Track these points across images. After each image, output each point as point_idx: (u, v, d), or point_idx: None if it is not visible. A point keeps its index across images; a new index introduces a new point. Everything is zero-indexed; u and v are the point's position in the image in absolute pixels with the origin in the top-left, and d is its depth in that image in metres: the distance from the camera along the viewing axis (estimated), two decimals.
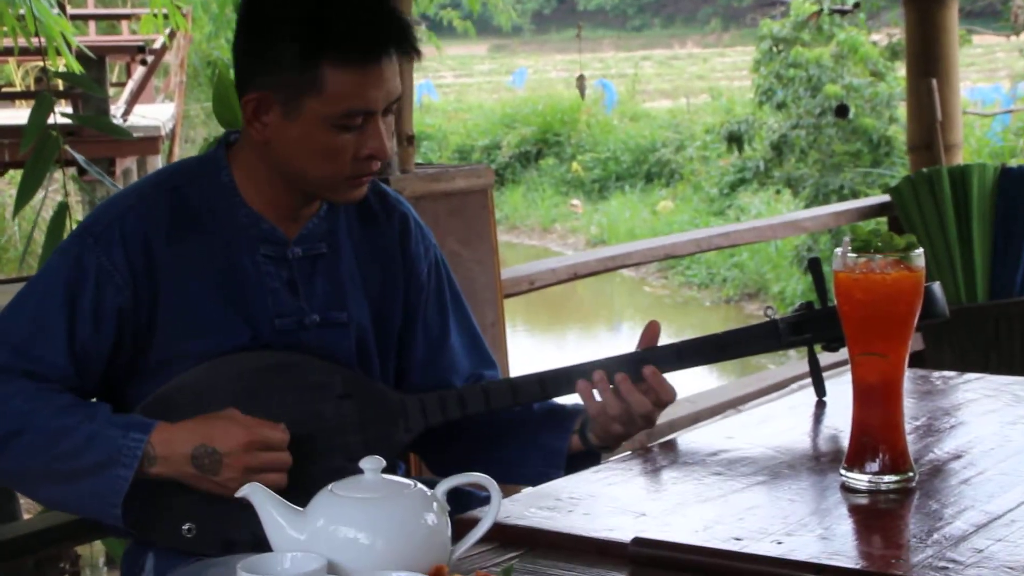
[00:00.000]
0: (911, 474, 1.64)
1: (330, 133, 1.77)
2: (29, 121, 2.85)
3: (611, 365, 1.90)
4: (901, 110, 11.83)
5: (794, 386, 2.23)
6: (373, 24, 1.76)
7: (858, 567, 1.40)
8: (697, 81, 24.85)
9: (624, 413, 1.86)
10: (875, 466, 1.63)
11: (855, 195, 11.38)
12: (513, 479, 1.90)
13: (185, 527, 1.79)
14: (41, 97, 2.92)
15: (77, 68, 3.87)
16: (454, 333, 2.02)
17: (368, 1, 1.78)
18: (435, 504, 1.36)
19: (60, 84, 9.18)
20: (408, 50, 1.79)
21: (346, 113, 1.76)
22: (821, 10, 10.73)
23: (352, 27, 1.74)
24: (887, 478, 1.63)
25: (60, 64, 3.87)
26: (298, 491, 1.51)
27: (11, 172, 10.21)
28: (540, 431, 1.96)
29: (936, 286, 1.95)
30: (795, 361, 6.42)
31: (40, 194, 3.13)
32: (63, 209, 2.77)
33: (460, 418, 1.91)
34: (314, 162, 1.79)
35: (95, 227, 1.81)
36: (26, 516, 3.26)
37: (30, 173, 2.87)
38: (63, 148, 2.89)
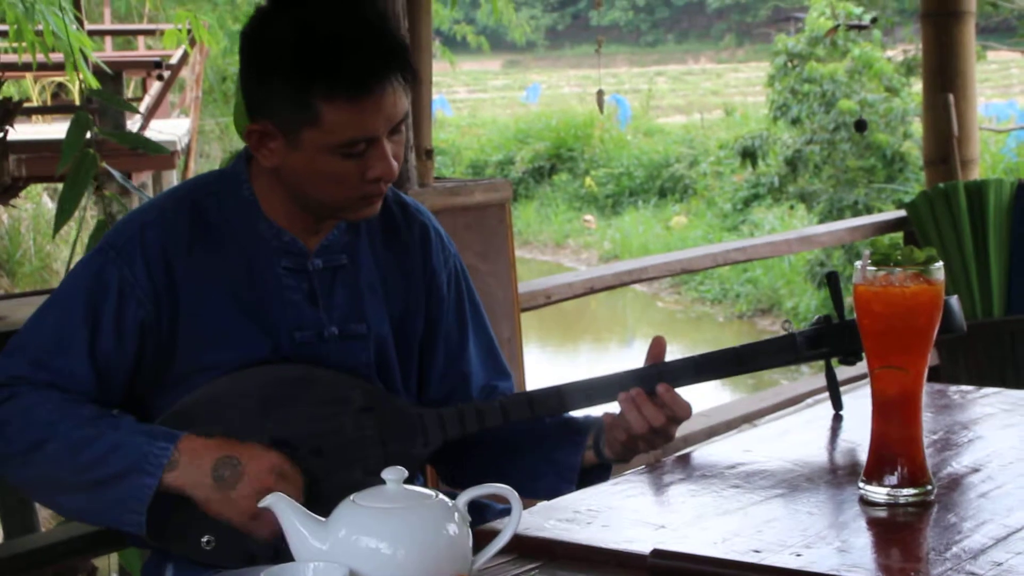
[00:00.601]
0: (930, 487, 1.65)
1: (333, 160, 1.76)
2: (67, 139, 2.87)
3: (629, 379, 1.91)
4: (916, 126, 11.83)
5: (810, 400, 2.23)
6: (364, 55, 1.73)
7: None
8: (711, 97, 24.88)
9: (648, 430, 1.87)
10: (894, 479, 1.64)
11: (869, 210, 11.39)
12: (526, 493, 1.90)
13: (204, 540, 1.79)
14: (79, 115, 2.94)
15: (94, 83, 3.89)
16: (472, 343, 2.03)
17: (359, 30, 1.75)
18: (456, 515, 1.37)
19: (76, 99, 9.22)
20: (404, 75, 1.76)
21: (347, 143, 1.75)
22: (838, 25, 10.74)
23: (343, 61, 1.72)
24: (906, 491, 1.63)
25: (77, 79, 3.89)
26: (318, 504, 1.52)
27: (28, 187, 10.28)
28: (554, 447, 1.97)
29: (954, 300, 1.95)
30: (809, 377, 6.42)
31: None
32: (102, 226, 2.79)
33: (478, 432, 1.92)
34: (321, 187, 1.80)
35: (117, 241, 1.83)
36: (44, 529, 3.27)
37: (69, 191, 2.89)
38: (100, 165, 2.92)
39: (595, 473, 1.94)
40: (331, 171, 1.77)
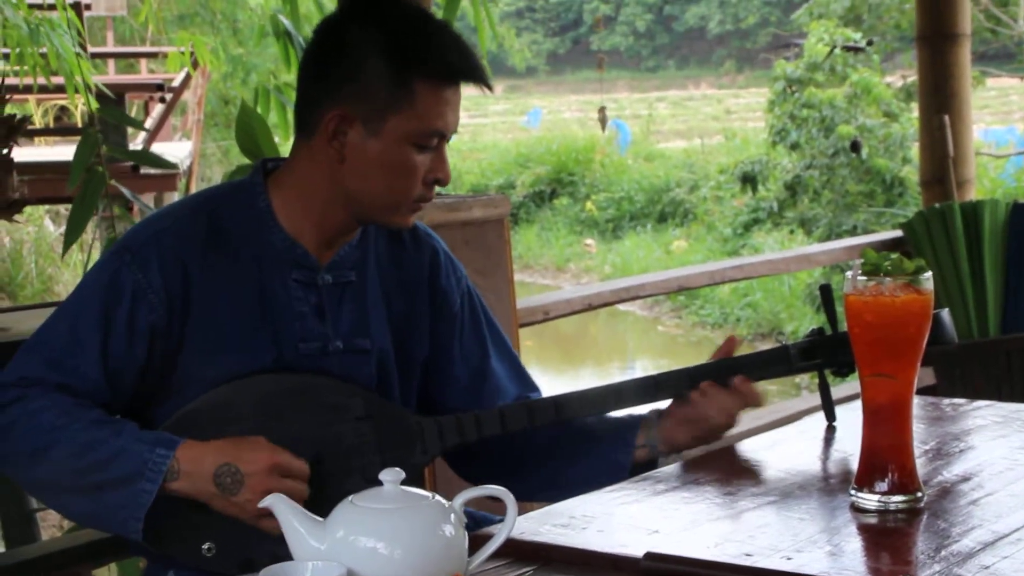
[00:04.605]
0: (919, 494, 1.67)
1: (409, 151, 1.83)
2: (76, 157, 2.90)
3: (629, 390, 1.97)
4: (915, 151, 11.87)
5: (806, 419, 2.25)
6: (458, 51, 1.84)
7: None
8: (711, 122, 24.94)
9: (727, 417, 1.99)
10: (884, 486, 1.66)
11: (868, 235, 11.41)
12: (573, 493, 1.91)
13: (205, 546, 1.82)
14: (87, 134, 2.97)
15: (94, 105, 3.92)
16: (495, 359, 2.07)
17: (450, 31, 1.87)
18: (453, 515, 1.39)
19: (79, 121, 9.26)
20: (484, 80, 1.87)
21: (428, 132, 1.83)
22: (835, 47, 10.81)
23: (443, 50, 1.83)
24: (896, 498, 1.65)
25: (79, 102, 3.93)
26: (319, 510, 1.53)
27: (28, 208, 10.32)
28: (605, 446, 2.02)
29: (945, 313, 1.98)
30: (806, 395, 6.44)
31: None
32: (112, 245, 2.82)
33: (476, 440, 1.94)
34: (388, 180, 1.85)
35: (133, 244, 1.85)
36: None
37: (78, 210, 2.91)
38: (110, 184, 2.95)
39: (641, 470, 1.98)
40: (402, 162, 1.83)
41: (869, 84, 12.92)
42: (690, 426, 1.99)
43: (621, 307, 13.13)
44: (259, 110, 3.22)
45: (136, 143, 8.10)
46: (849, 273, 1.68)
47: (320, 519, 1.40)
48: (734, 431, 2.06)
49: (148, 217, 1.93)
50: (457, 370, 2.04)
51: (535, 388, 2.11)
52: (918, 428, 2.05)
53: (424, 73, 1.81)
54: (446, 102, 1.83)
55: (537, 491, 2.05)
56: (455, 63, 1.84)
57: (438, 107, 1.83)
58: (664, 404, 2.04)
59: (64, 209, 9.58)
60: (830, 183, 12.84)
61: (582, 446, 2.02)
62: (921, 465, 1.82)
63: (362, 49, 1.82)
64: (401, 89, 1.81)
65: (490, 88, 1.89)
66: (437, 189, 1.94)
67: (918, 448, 1.86)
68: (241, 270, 1.87)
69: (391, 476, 1.39)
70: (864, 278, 1.65)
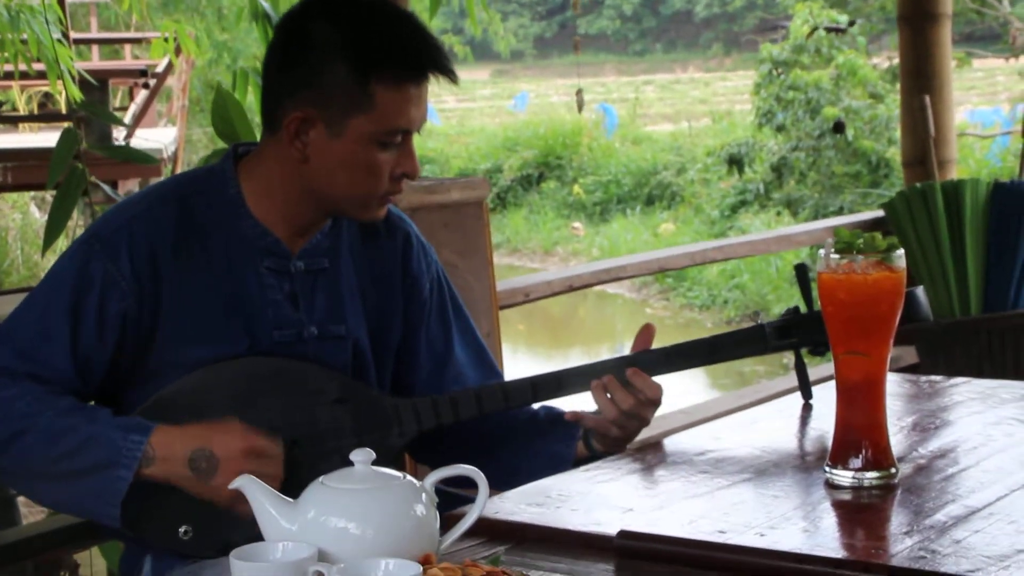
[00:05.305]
0: (893, 470, 1.67)
1: (372, 150, 1.81)
2: (55, 154, 2.89)
3: (602, 369, 1.94)
4: (900, 132, 11.89)
5: (784, 397, 2.25)
6: (419, 46, 1.81)
7: (840, 557, 1.43)
8: (699, 105, 24.92)
9: (618, 415, 1.89)
10: (858, 462, 1.67)
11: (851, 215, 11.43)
12: (518, 483, 1.91)
13: (182, 529, 1.81)
14: (67, 131, 2.96)
15: (77, 95, 3.91)
16: (458, 346, 2.06)
17: (411, 25, 1.83)
18: (424, 495, 1.39)
19: (63, 108, 9.24)
20: (447, 73, 1.84)
21: (390, 131, 1.80)
22: (816, 28, 10.80)
23: (401, 47, 1.80)
24: (870, 474, 1.66)
25: (60, 88, 3.92)
26: (294, 494, 1.53)
27: (13, 195, 10.30)
28: (548, 438, 2.00)
29: (920, 291, 1.98)
30: (791, 374, 6.46)
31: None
32: None
33: (453, 422, 1.94)
34: (353, 179, 1.83)
35: (102, 232, 1.84)
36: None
37: (58, 206, 2.90)
38: (89, 179, 2.94)
39: (587, 463, 1.96)
40: (366, 162, 1.81)
41: (854, 66, 12.94)
42: (603, 424, 1.92)
43: (609, 290, 13.15)
44: (237, 93, 3.21)
45: (121, 129, 8.07)
46: (822, 251, 1.68)
47: (291, 500, 1.40)
48: (714, 410, 2.05)
49: (118, 204, 1.91)
50: (422, 355, 2.03)
51: (498, 375, 2.10)
52: (895, 405, 2.06)
53: (383, 74, 1.78)
54: (408, 100, 1.80)
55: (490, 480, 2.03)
56: (415, 60, 1.81)
57: (400, 106, 1.80)
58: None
59: (50, 196, 9.56)
60: (816, 164, 12.86)
61: (527, 437, 2.01)
62: (897, 441, 1.83)
63: (322, 50, 1.80)
64: (360, 91, 1.78)
65: (454, 81, 1.85)
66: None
67: (894, 424, 1.87)
68: (213, 258, 1.86)
69: (362, 456, 1.39)
70: (836, 256, 1.66)
